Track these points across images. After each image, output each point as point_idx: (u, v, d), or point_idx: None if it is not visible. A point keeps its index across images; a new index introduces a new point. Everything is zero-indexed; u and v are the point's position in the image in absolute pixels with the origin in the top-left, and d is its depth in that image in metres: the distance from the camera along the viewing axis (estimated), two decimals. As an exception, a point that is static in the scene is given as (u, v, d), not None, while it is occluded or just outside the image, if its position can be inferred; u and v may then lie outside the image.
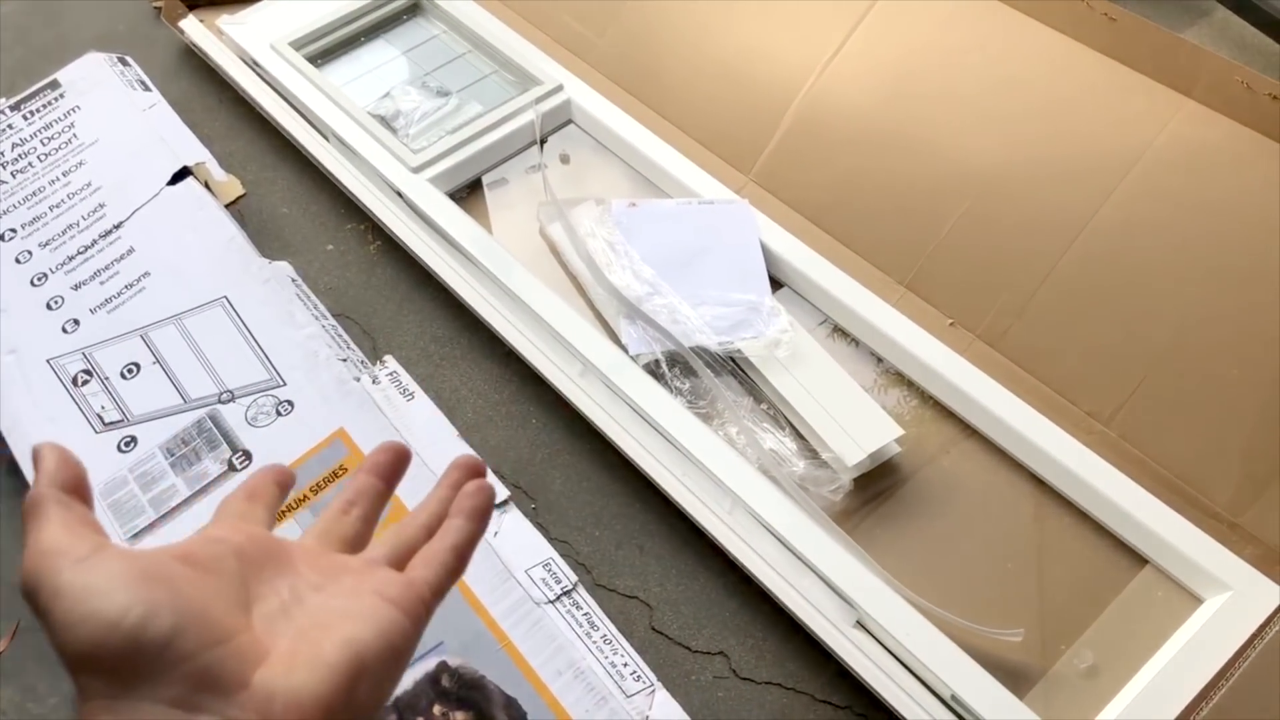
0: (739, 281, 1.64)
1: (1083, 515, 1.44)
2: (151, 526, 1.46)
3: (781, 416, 1.54)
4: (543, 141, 1.93)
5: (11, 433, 1.58)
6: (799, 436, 1.52)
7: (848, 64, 1.75)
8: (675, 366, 1.58)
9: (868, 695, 1.30)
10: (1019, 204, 1.57)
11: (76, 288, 1.72)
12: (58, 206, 1.84)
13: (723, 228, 1.71)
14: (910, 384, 1.58)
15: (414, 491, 1.41)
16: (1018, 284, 1.55)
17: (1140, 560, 1.40)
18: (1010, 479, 1.48)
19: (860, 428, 1.47)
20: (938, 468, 1.50)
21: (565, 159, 1.92)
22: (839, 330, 1.65)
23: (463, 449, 1.49)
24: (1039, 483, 1.47)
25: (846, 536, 1.39)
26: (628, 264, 1.66)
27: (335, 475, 1.47)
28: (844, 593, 1.32)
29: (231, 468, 1.50)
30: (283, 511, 1.44)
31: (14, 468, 1.56)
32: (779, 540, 1.38)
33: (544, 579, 1.35)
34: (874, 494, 1.47)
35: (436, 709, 1.26)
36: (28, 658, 1.45)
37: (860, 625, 1.33)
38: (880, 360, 1.61)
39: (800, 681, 1.34)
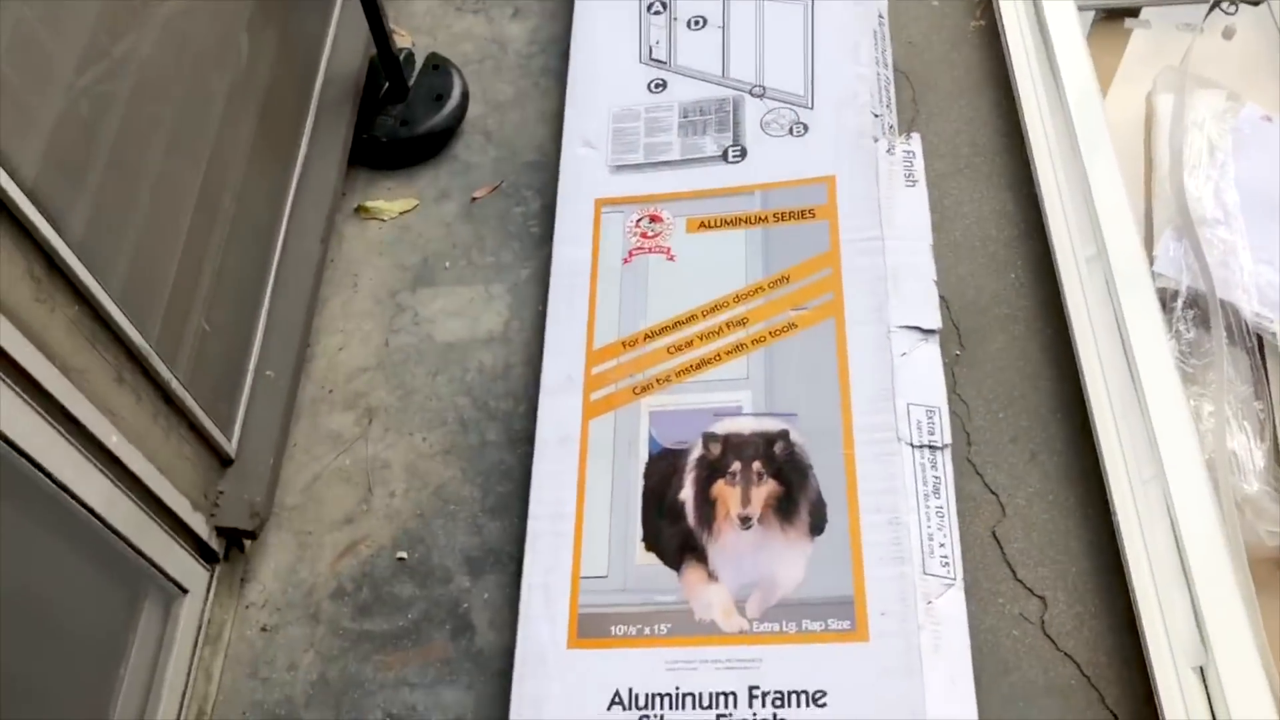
0: (1328, 263, 1.38)
1: None
2: (637, 168, 1.56)
3: (1270, 428, 1.33)
4: (1218, 3, 1.67)
5: (578, 30, 1.72)
6: (1277, 458, 1.31)
7: None
8: (1191, 309, 1.38)
9: (1160, 739, 1.17)
10: None
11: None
12: None
13: (1353, 197, 1.42)
14: None
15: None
16: None
17: None
18: None
19: (1351, 492, 1.24)
20: None
21: (1229, 33, 1.65)
22: None
23: (924, 262, 1.42)
24: None
25: (1251, 585, 1.21)
26: (1215, 177, 1.44)
27: (802, 215, 1.47)
28: (1208, 634, 1.16)
29: (725, 157, 1.55)
30: (738, 219, 1.48)
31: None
32: (1176, 543, 1.22)
33: (921, 422, 1.30)
34: (1315, 564, 1.25)
35: (756, 465, 1.30)
36: (490, 219, 1.65)
37: (1200, 672, 1.17)
38: None
39: (1100, 679, 1.23)
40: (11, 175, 0.93)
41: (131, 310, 1.11)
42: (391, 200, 1.67)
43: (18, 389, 0.93)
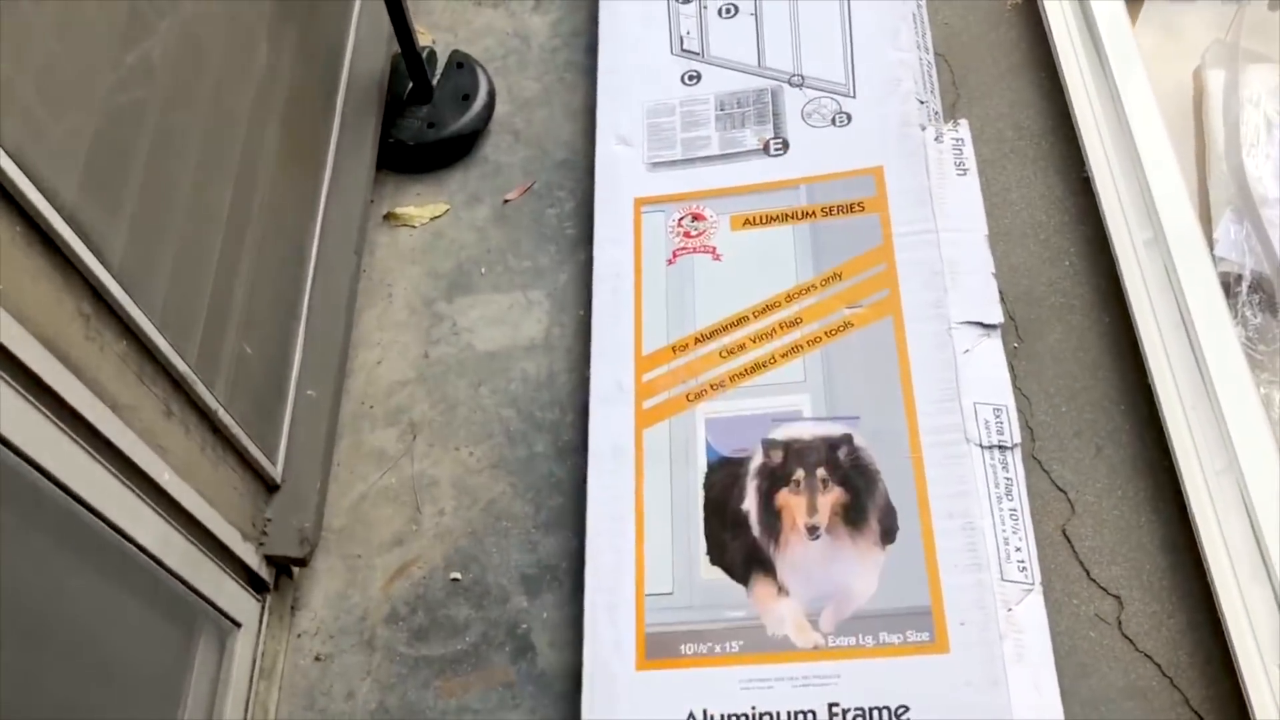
0: (1397, 242, 1.34)
1: None
2: (672, 165, 1.51)
3: (1346, 413, 1.29)
4: (1262, -30, 1.62)
5: (605, 22, 1.67)
6: (1351, 444, 1.27)
7: None
8: (1256, 294, 1.35)
9: (1249, 739, 1.14)
10: None
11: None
12: None
13: None
14: None
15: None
16: None
17: None
18: None
19: None
20: None
21: (1275, 4, 1.61)
22: None
23: (982, 254, 1.38)
24: None
25: (1336, 578, 1.17)
26: (1275, 155, 1.40)
27: (850, 209, 1.43)
28: (1294, 630, 1.13)
29: (766, 151, 1.50)
30: (785, 214, 1.44)
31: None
32: (1254, 533, 1.19)
33: (988, 422, 1.27)
34: (1399, 555, 1.22)
35: (820, 472, 1.26)
36: (523, 221, 1.60)
37: (1288, 670, 1.14)
38: None
39: (1182, 679, 1.20)
40: (54, 205, 0.88)
41: (173, 338, 1.06)
42: (422, 206, 1.62)
43: (74, 435, 0.89)
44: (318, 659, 1.31)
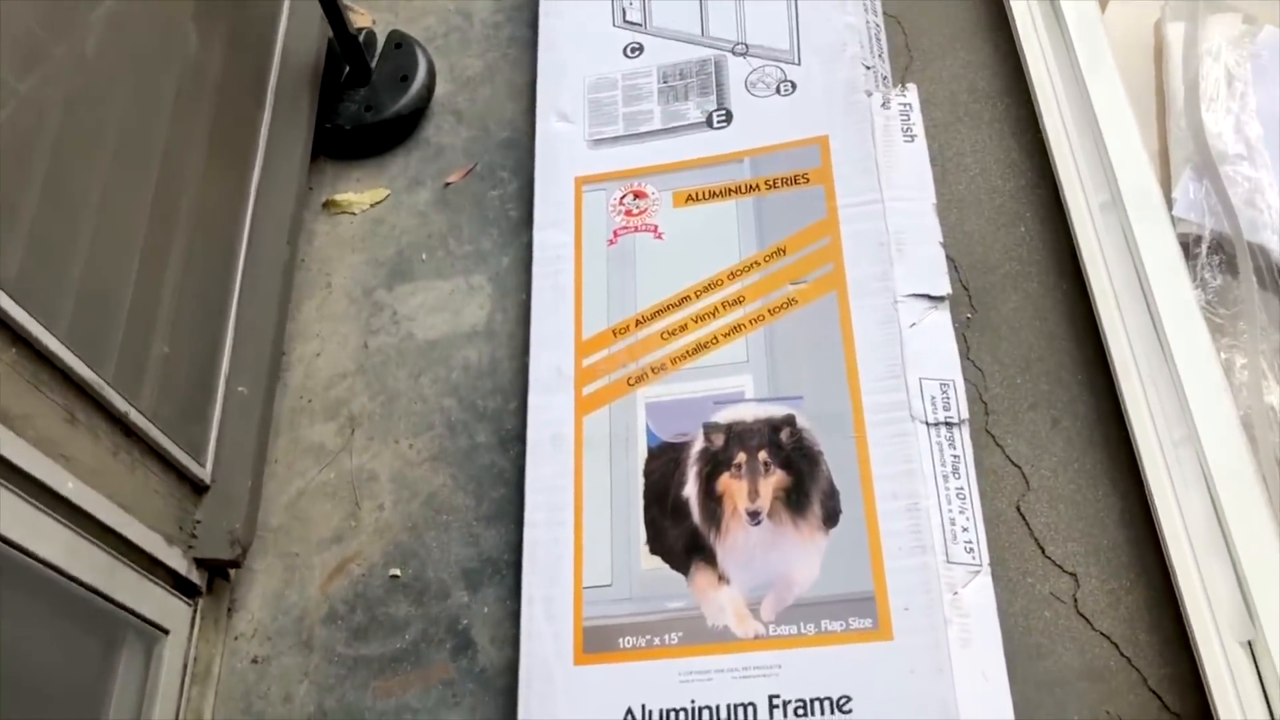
0: (1362, 196, 1.29)
1: None
2: (614, 141, 1.47)
3: (1309, 376, 1.25)
4: (1225, -83, 1.56)
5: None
6: (1315, 409, 1.23)
7: None
8: (1216, 255, 1.30)
9: (1209, 716, 1.10)
10: None
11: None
12: None
13: (1385, 122, 1.33)
14: None
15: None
16: None
17: None
18: None
19: (1400, 444, 1.15)
20: None
21: (1239, -50, 1.55)
22: None
23: (929, 223, 1.33)
24: None
25: (1297, 550, 1.13)
26: (1235, 110, 1.34)
27: (794, 181, 1.38)
28: (1254, 606, 1.09)
29: (709, 124, 1.45)
30: (728, 189, 1.39)
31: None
32: (1215, 507, 1.15)
33: (935, 398, 1.22)
34: (1364, 523, 1.17)
35: (762, 455, 1.22)
36: (465, 205, 1.56)
37: (1249, 648, 1.10)
38: None
39: (1140, 658, 1.16)
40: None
41: (81, 344, 1.03)
42: (361, 192, 1.58)
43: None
44: (255, 661, 1.29)
